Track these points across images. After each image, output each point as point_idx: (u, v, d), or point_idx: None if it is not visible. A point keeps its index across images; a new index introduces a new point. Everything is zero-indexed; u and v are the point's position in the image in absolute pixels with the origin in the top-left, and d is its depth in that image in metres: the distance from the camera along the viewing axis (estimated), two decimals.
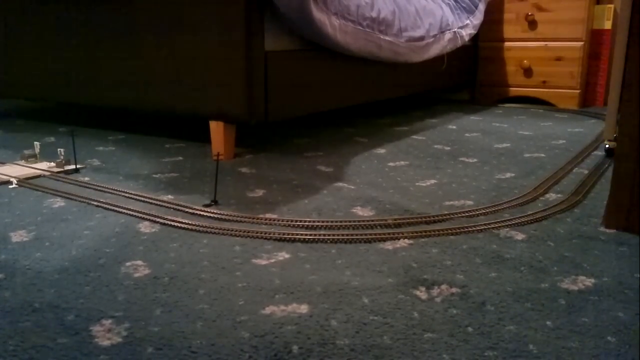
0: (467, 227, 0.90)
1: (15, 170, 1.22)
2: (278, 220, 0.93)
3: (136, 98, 1.49)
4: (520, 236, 0.87)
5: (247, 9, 1.25)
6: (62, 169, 1.24)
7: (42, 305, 0.64)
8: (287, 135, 1.74)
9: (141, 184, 1.15)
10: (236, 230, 0.87)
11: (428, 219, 0.94)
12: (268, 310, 0.64)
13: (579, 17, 2.34)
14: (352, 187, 1.14)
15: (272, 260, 0.78)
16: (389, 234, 0.87)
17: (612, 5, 2.40)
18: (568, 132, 1.82)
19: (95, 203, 1.01)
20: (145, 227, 0.90)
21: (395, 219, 0.93)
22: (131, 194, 1.06)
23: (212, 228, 0.89)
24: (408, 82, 2.07)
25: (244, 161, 1.37)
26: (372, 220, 0.92)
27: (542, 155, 1.46)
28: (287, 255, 0.79)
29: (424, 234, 0.87)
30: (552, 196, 1.08)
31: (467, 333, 0.59)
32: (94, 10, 1.51)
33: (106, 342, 0.57)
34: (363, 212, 0.98)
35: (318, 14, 1.34)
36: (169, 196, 1.06)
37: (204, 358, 0.54)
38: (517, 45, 2.49)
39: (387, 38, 1.68)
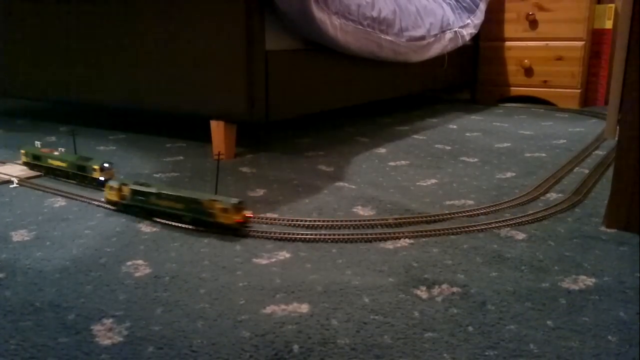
0: (467, 227, 0.90)
1: (16, 170, 1.22)
2: (279, 220, 0.93)
3: (137, 97, 1.50)
4: (521, 236, 0.87)
5: (248, 8, 1.25)
6: None
7: (43, 305, 0.64)
8: (287, 135, 1.74)
9: None
10: (237, 230, 0.87)
11: (429, 218, 0.94)
12: (269, 309, 0.64)
13: (579, 16, 2.34)
14: (353, 186, 1.14)
15: (273, 260, 0.78)
16: (389, 233, 0.87)
17: (612, 5, 2.40)
18: (569, 131, 1.82)
19: (96, 203, 1.01)
20: (146, 227, 0.90)
21: (396, 219, 0.93)
22: None
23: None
24: (409, 82, 2.07)
25: (244, 161, 1.37)
26: (373, 220, 0.92)
27: (543, 154, 1.46)
28: (287, 255, 0.79)
29: (424, 233, 0.87)
30: (552, 196, 1.08)
31: (468, 332, 0.59)
32: (94, 10, 1.51)
33: (107, 342, 0.57)
34: (364, 212, 0.98)
35: (319, 14, 1.34)
36: None
37: (204, 357, 0.54)
38: (518, 45, 2.49)
39: (387, 37, 1.68)
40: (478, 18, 2.34)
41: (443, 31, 2.06)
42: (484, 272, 0.74)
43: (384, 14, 1.63)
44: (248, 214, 0.87)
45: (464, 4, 2.30)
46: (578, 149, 1.52)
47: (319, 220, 0.91)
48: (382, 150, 1.51)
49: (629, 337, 0.58)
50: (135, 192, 0.93)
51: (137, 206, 0.94)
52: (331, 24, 1.40)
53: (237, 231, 0.86)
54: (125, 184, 0.94)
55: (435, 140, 1.65)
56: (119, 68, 1.50)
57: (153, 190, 0.90)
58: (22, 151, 1.23)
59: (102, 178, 1.08)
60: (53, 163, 1.16)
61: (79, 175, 1.12)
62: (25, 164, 1.23)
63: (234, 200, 0.84)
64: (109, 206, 0.99)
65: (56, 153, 1.17)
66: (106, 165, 1.09)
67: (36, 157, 1.20)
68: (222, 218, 0.85)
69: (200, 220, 0.87)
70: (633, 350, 0.56)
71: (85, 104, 1.65)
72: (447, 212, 0.97)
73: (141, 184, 0.93)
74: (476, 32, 2.35)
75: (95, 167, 1.08)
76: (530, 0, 2.42)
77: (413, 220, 0.93)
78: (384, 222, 0.92)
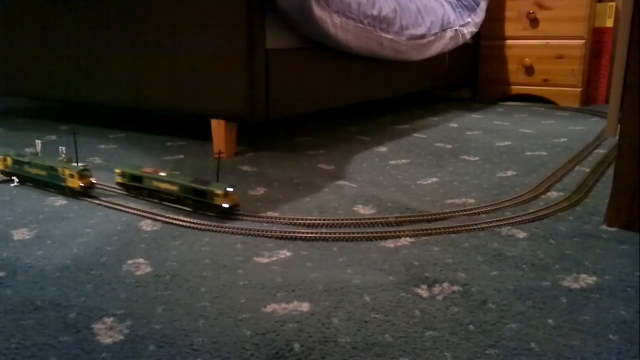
0: (468, 225, 0.90)
1: None
2: (279, 219, 0.93)
3: (137, 96, 1.49)
4: (521, 234, 0.87)
5: (249, 7, 1.25)
6: None
7: (44, 303, 0.64)
8: (288, 134, 1.74)
9: None
10: (237, 229, 0.87)
11: (429, 217, 0.94)
12: (269, 308, 0.64)
13: (580, 15, 2.33)
14: (354, 185, 1.14)
15: (274, 259, 0.78)
16: (390, 232, 0.87)
17: (613, 3, 2.40)
18: (569, 130, 1.82)
19: (97, 201, 1.01)
20: (146, 225, 0.90)
21: (396, 217, 0.93)
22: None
23: (214, 226, 0.89)
24: (409, 80, 2.07)
25: (245, 159, 1.37)
26: (374, 219, 0.92)
27: (544, 153, 1.45)
28: (288, 253, 0.79)
29: (425, 232, 0.87)
30: (553, 194, 1.08)
31: (469, 331, 0.59)
32: (95, 9, 1.51)
33: (108, 340, 0.57)
34: (364, 210, 0.98)
35: (319, 12, 1.34)
36: None
37: (205, 356, 0.54)
38: (519, 43, 2.48)
39: (388, 36, 1.68)
40: (479, 16, 2.34)
41: (444, 30, 2.06)
42: (485, 270, 0.74)
43: (384, 12, 1.63)
44: (92, 179, 1.04)
45: (464, 3, 2.30)
46: (579, 148, 1.52)
47: (319, 219, 0.91)
48: (382, 148, 1.51)
49: (630, 335, 0.58)
50: (14, 162, 1.12)
51: (16, 173, 1.12)
52: (332, 22, 1.40)
53: (81, 194, 1.03)
54: (9, 156, 1.12)
55: (435, 138, 1.65)
56: (120, 67, 1.50)
57: (26, 159, 1.09)
58: (117, 170, 1.05)
59: (226, 205, 0.93)
60: (160, 186, 0.99)
61: (195, 201, 0.96)
62: (120, 185, 1.06)
63: (80, 167, 1.02)
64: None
65: (163, 174, 1.00)
66: (230, 189, 0.93)
67: (136, 178, 1.02)
68: (70, 182, 1.03)
69: (57, 185, 1.05)
70: (634, 349, 0.56)
71: (86, 103, 1.65)
72: (447, 210, 0.97)
73: (21, 155, 1.11)
74: (477, 30, 2.35)
75: (219, 192, 0.92)
76: None
77: (414, 218, 0.93)
78: (385, 220, 0.92)
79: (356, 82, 1.71)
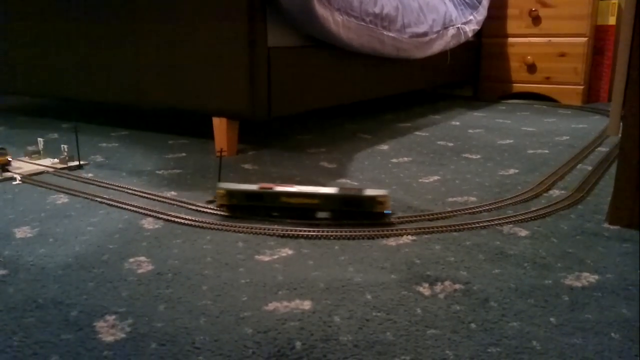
0: (470, 224, 0.89)
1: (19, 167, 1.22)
2: (281, 217, 0.92)
3: (139, 95, 1.50)
4: (523, 232, 0.87)
5: (250, 5, 1.25)
6: (65, 165, 1.24)
7: (45, 301, 0.65)
8: (289, 132, 1.74)
9: (144, 180, 1.15)
10: (239, 227, 0.87)
11: (431, 215, 0.94)
12: (271, 306, 0.64)
13: (583, 12, 2.33)
14: (355, 183, 1.14)
15: (275, 257, 0.78)
16: (392, 230, 0.87)
17: (616, 1, 2.39)
18: (572, 128, 1.81)
19: (99, 199, 1.02)
20: (148, 224, 0.90)
21: (398, 216, 0.93)
22: (134, 190, 1.07)
23: (215, 224, 0.89)
24: (411, 78, 2.06)
25: (246, 157, 1.37)
26: None
27: (546, 151, 1.45)
28: (290, 252, 0.79)
29: (427, 230, 0.87)
30: (555, 192, 1.08)
31: (470, 329, 0.59)
32: (96, 7, 1.51)
33: (110, 338, 0.57)
34: None
35: (321, 10, 1.34)
36: (172, 192, 1.06)
37: (207, 354, 0.54)
38: (521, 41, 2.48)
39: (390, 34, 1.67)
40: (481, 14, 2.33)
41: (446, 27, 2.05)
42: (487, 269, 0.74)
43: (386, 10, 1.63)
44: (7, 157, 1.16)
45: (466, 0, 2.29)
46: (581, 146, 1.51)
47: (321, 217, 0.91)
48: (384, 147, 1.51)
49: (631, 334, 0.58)
50: None
51: None
52: (333, 20, 1.40)
53: None
54: None
55: (437, 136, 1.65)
56: (122, 65, 1.50)
57: None
58: (220, 191, 0.91)
59: (388, 211, 0.88)
60: (291, 201, 0.88)
61: (347, 212, 0.89)
62: (225, 207, 0.93)
63: None
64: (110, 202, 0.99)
65: (293, 189, 0.89)
66: (387, 194, 0.87)
67: (255, 196, 0.89)
68: None
69: None
70: (636, 347, 0.56)
71: (88, 101, 1.65)
72: (449, 209, 0.97)
73: None
74: (479, 28, 2.35)
75: (381, 199, 0.85)
76: None
77: (415, 217, 0.93)
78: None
79: (358, 80, 1.70)
